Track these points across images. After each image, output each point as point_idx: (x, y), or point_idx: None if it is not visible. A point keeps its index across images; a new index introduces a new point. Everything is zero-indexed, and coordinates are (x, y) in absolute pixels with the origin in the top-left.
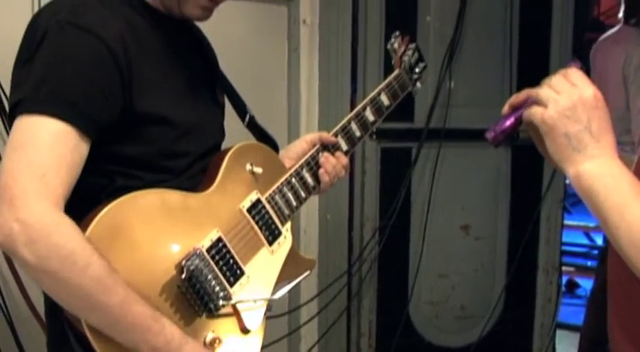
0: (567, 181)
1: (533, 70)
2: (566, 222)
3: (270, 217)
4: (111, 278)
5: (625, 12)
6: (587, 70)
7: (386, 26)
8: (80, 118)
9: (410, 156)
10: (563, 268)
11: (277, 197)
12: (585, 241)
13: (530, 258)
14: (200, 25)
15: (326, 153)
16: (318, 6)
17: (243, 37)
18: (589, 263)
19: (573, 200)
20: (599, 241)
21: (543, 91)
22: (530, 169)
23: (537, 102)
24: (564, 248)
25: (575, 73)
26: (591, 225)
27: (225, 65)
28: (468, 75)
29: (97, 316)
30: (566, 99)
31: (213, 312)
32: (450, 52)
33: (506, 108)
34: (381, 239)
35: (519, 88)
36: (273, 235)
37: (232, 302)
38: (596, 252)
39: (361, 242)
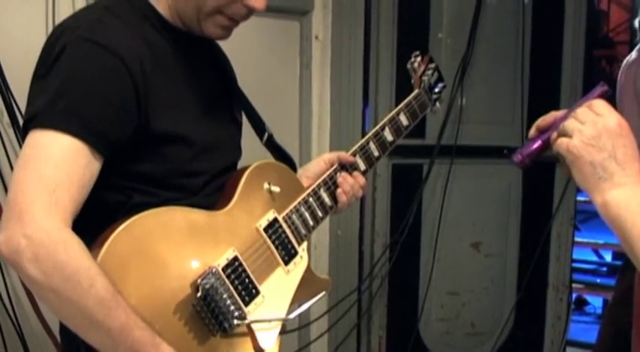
0: (578, 198)
1: (545, 88)
2: (575, 239)
3: (287, 237)
4: (114, 300)
5: None
6: (613, 94)
7: (398, 42)
8: (93, 135)
9: (421, 172)
10: (572, 285)
11: (294, 216)
12: (594, 258)
13: (540, 276)
14: None
15: (344, 173)
16: (330, 22)
17: (256, 52)
18: (598, 280)
19: (582, 217)
20: (608, 258)
21: (569, 122)
22: (541, 187)
23: (564, 133)
24: (573, 265)
25: (599, 103)
26: (600, 242)
27: (238, 80)
28: (480, 92)
29: (97, 337)
30: (590, 128)
31: (227, 331)
32: (462, 69)
33: (533, 131)
34: (391, 255)
35: (531, 106)
36: (289, 255)
37: (247, 321)
38: (605, 269)
39: (372, 258)
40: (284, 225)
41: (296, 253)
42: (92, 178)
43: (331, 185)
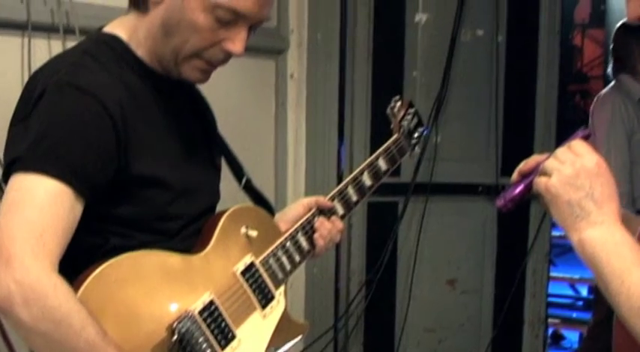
0: (553, 234)
1: (519, 125)
2: (551, 273)
3: (264, 281)
4: (104, 341)
5: (612, 66)
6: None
7: (372, 81)
8: (77, 178)
9: (396, 210)
10: (549, 320)
11: (271, 261)
12: (570, 292)
13: (516, 312)
14: None
15: (321, 218)
16: (305, 60)
17: (231, 91)
18: (574, 314)
19: (558, 251)
20: (584, 292)
21: (548, 162)
22: (516, 223)
23: (544, 173)
24: (549, 299)
25: (578, 144)
26: (576, 276)
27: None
28: (454, 130)
29: None
30: (569, 168)
31: None
32: (437, 107)
33: (515, 176)
34: (367, 293)
35: (505, 143)
36: (266, 299)
37: None
38: (581, 303)
39: (347, 296)
40: (261, 270)
41: (273, 297)
42: (76, 221)
43: (309, 229)
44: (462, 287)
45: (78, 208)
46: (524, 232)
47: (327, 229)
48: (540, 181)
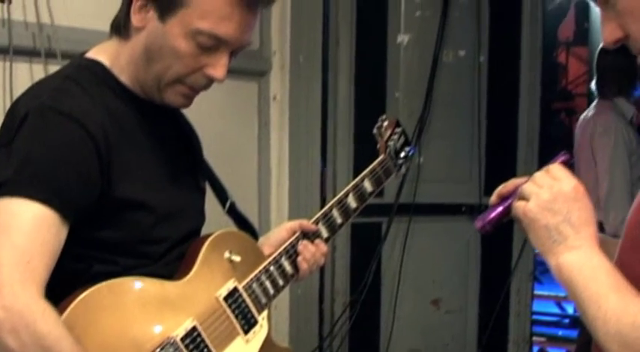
0: (536, 251)
1: (502, 144)
2: (537, 292)
3: (247, 306)
4: None
5: (597, 86)
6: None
7: (355, 102)
8: (62, 202)
9: (380, 231)
10: (535, 338)
11: (255, 285)
12: (556, 310)
13: (500, 331)
14: None
15: (305, 241)
16: (288, 82)
17: (214, 113)
18: (560, 332)
19: (543, 268)
20: (570, 310)
21: (526, 186)
22: (500, 243)
23: (522, 197)
24: (535, 317)
25: (556, 168)
26: (561, 294)
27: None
28: (437, 150)
29: None
30: (546, 192)
31: None
32: (419, 127)
33: (494, 198)
34: (352, 314)
35: (488, 163)
36: (249, 324)
37: None
38: (566, 321)
39: (332, 317)
40: (244, 294)
41: (256, 322)
42: (61, 245)
43: (292, 253)
44: (447, 307)
45: (63, 232)
46: (508, 251)
47: (311, 252)
48: (518, 205)
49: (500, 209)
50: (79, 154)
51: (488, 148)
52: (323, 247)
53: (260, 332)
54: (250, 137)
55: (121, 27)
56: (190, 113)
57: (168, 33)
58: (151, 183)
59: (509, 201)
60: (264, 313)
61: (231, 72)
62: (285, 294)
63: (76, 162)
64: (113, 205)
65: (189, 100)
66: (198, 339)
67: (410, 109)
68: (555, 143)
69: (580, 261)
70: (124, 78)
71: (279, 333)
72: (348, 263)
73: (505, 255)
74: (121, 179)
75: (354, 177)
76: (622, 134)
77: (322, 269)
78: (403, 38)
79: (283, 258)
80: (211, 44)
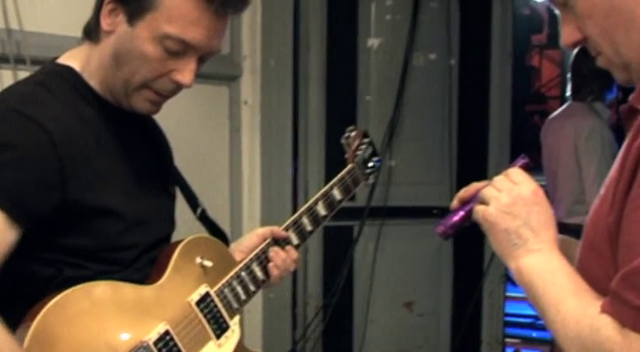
0: None
1: (473, 147)
2: (511, 293)
3: (219, 311)
4: None
5: (572, 89)
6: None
7: (326, 106)
8: (11, 205)
9: (352, 234)
10: (509, 340)
11: (226, 291)
12: (530, 312)
13: (473, 333)
14: None
15: (276, 248)
16: (259, 87)
17: (185, 117)
18: (534, 334)
19: None
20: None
21: (486, 190)
22: (472, 245)
23: (482, 201)
24: (509, 319)
25: (515, 172)
26: None
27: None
28: (408, 153)
29: None
30: (506, 196)
31: None
32: (390, 130)
33: (455, 203)
34: (324, 317)
35: (459, 165)
36: (221, 329)
37: None
38: (540, 322)
39: (305, 320)
40: (216, 299)
41: (228, 327)
42: (7, 247)
43: (263, 259)
44: (419, 310)
45: (12, 235)
46: (480, 253)
47: (282, 259)
48: (478, 210)
49: (461, 213)
50: (39, 159)
51: (459, 151)
52: (294, 254)
53: (232, 337)
54: (221, 142)
55: (92, 31)
56: (162, 118)
57: (137, 37)
58: (121, 190)
59: (470, 205)
60: (236, 318)
61: (202, 76)
62: (257, 298)
63: (33, 167)
64: (82, 212)
65: (156, 106)
66: (171, 343)
67: (381, 113)
68: (529, 145)
69: (540, 265)
70: (94, 83)
71: (253, 337)
72: (321, 266)
73: (477, 257)
74: (90, 186)
75: (326, 181)
76: (607, 137)
77: (295, 273)
78: (374, 42)
79: (254, 264)
80: (179, 49)
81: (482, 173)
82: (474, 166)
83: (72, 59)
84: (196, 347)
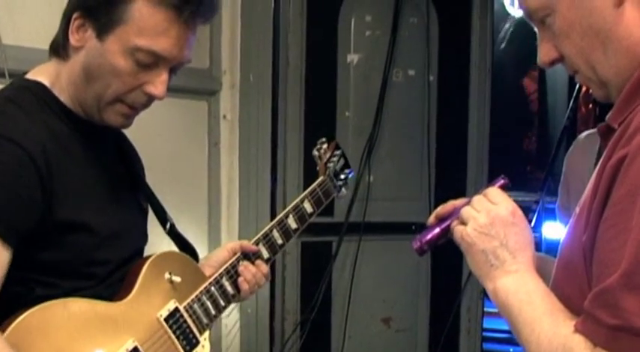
0: None
1: (451, 163)
2: (488, 309)
3: (188, 326)
4: None
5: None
6: (512, 186)
7: (305, 121)
8: (5, 229)
9: (330, 249)
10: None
11: (196, 306)
12: (507, 327)
13: (451, 349)
14: None
15: (246, 262)
16: (238, 101)
17: (163, 132)
18: (511, 349)
19: None
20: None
21: (465, 210)
22: (450, 261)
23: (460, 221)
24: (487, 334)
25: (494, 192)
26: None
27: (145, 160)
28: (387, 169)
29: None
30: (484, 217)
31: None
32: (369, 146)
33: (432, 219)
34: (302, 333)
35: (438, 181)
36: (190, 345)
37: None
38: None
39: (282, 336)
40: (185, 315)
41: (197, 342)
42: (4, 271)
43: (233, 273)
44: (397, 326)
45: (6, 258)
46: (458, 269)
47: (252, 273)
48: (457, 230)
49: (437, 230)
50: (21, 177)
51: (438, 167)
52: (264, 268)
53: None
54: (200, 156)
55: (59, 48)
56: (140, 132)
57: (107, 51)
58: (93, 205)
59: (447, 222)
60: (206, 333)
61: (181, 91)
62: (235, 314)
63: (17, 185)
64: (55, 227)
65: (129, 120)
66: None
67: (360, 128)
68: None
69: (516, 285)
70: (65, 98)
71: None
72: (299, 282)
73: (455, 272)
74: (62, 201)
75: None
76: None
77: (272, 289)
78: (353, 58)
79: (224, 279)
80: (150, 61)
81: (460, 189)
82: (453, 182)
83: (41, 75)
84: None
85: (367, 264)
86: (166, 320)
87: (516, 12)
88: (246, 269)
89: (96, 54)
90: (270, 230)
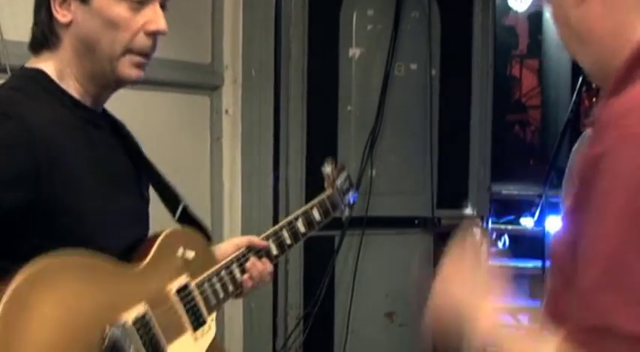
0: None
1: (454, 157)
2: None
3: (197, 303)
4: None
5: None
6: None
7: (307, 115)
8: None
9: (333, 244)
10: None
11: (206, 285)
12: (511, 322)
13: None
14: (123, 113)
15: (253, 258)
16: (240, 96)
17: (166, 127)
18: None
19: None
20: (525, 322)
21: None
22: None
23: None
24: None
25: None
26: (516, 305)
27: (148, 155)
28: (389, 163)
29: None
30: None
31: None
32: (372, 140)
33: None
34: (305, 327)
35: (440, 175)
36: (198, 322)
37: None
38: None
39: (285, 330)
40: (195, 292)
41: (205, 321)
42: None
43: (243, 262)
44: (400, 320)
45: None
46: None
47: (259, 270)
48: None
49: None
50: (14, 155)
51: (440, 161)
52: (269, 266)
53: (208, 333)
54: (203, 151)
55: (46, 38)
56: (143, 126)
57: (97, 9)
58: (96, 192)
59: None
60: (213, 315)
61: (184, 86)
62: (238, 308)
63: (7, 162)
64: (56, 213)
65: (141, 70)
66: (149, 325)
67: (362, 122)
68: (511, 154)
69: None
70: (69, 84)
71: (234, 347)
72: (302, 276)
73: None
74: (63, 188)
75: (307, 190)
76: None
77: (275, 283)
78: (355, 52)
79: (234, 266)
80: None
81: (463, 182)
82: (455, 176)
83: (41, 63)
84: (173, 336)
85: (370, 258)
86: (177, 293)
87: (519, 6)
88: (254, 266)
89: (88, 18)
90: (281, 229)
